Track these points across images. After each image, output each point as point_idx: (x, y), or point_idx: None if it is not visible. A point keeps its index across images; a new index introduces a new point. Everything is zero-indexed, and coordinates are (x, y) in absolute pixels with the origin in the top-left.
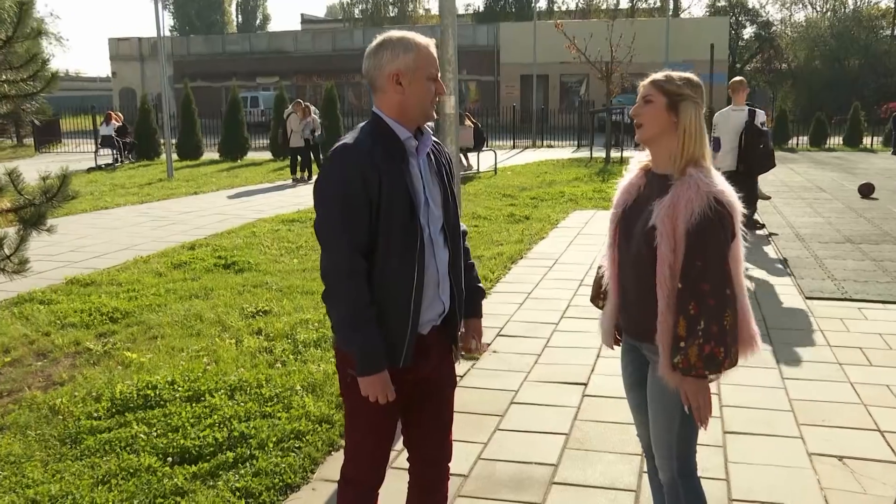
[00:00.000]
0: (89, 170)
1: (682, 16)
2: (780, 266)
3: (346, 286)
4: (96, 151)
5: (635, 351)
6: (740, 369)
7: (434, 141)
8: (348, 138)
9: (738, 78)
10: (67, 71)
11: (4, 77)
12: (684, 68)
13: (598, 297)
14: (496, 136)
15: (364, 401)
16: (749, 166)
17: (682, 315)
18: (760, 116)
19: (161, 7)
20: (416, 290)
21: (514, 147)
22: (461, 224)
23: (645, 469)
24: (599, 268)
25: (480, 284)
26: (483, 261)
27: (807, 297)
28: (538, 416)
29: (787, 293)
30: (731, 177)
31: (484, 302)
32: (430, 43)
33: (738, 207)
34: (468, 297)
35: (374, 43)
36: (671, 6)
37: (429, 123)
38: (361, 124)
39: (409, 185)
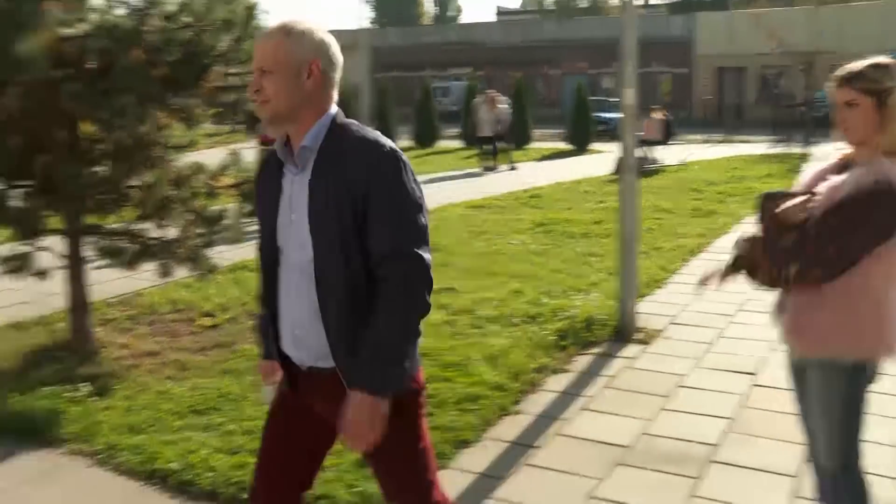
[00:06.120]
0: None
1: None
2: None
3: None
4: None
5: None
6: None
7: (354, 150)
8: None
9: None
10: None
11: (234, 70)
12: None
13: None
14: (687, 131)
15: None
16: None
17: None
18: None
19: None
20: (273, 315)
21: (705, 142)
22: (386, 264)
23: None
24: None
25: (373, 340)
26: (662, 252)
27: None
28: (704, 399)
29: None
30: None
31: (650, 298)
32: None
33: None
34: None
35: None
36: None
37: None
38: None
39: (268, 201)
